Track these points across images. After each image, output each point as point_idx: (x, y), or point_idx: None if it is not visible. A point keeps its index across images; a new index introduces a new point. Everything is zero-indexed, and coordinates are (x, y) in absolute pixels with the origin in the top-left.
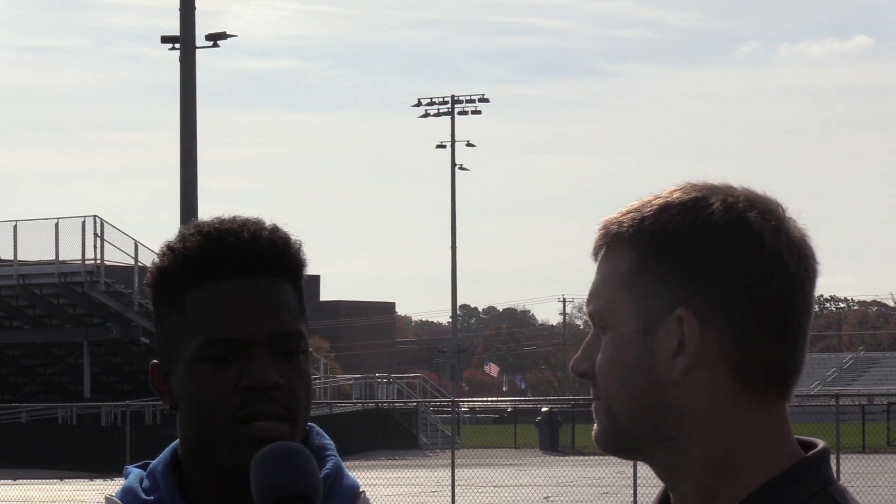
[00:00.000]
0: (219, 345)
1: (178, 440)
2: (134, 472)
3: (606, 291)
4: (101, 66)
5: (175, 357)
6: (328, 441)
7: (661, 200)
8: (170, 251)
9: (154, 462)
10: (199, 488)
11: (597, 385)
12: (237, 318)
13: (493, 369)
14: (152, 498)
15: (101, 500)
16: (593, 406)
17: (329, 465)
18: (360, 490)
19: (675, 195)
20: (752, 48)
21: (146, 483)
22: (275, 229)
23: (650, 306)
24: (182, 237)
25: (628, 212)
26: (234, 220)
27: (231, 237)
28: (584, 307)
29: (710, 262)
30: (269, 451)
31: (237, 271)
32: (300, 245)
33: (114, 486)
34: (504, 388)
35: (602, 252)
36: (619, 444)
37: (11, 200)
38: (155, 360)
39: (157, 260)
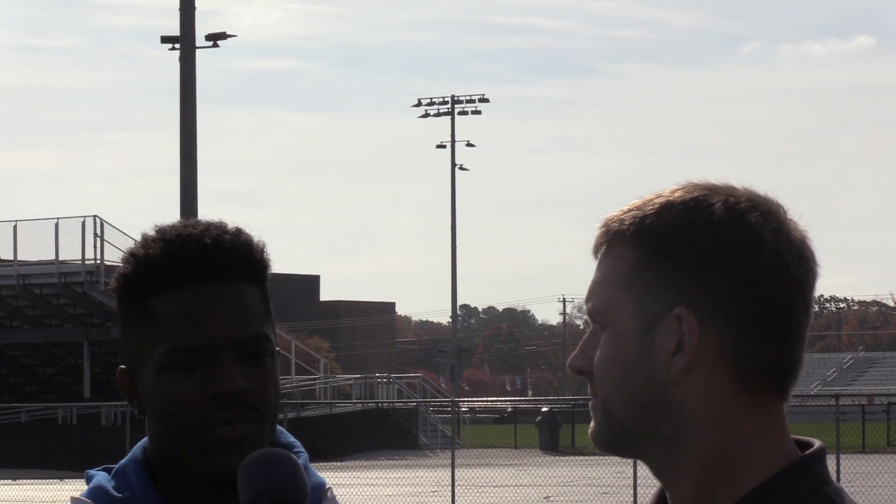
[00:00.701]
0: (184, 353)
1: (144, 441)
2: (100, 474)
3: (606, 289)
4: (101, 66)
5: (141, 364)
6: (294, 439)
7: (662, 199)
8: (132, 258)
9: (120, 464)
10: (175, 490)
11: (594, 383)
12: (201, 325)
13: (485, 369)
14: (125, 496)
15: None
16: (591, 404)
17: (300, 462)
18: (327, 487)
19: (677, 194)
20: (754, 48)
21: (114, 483)
22: (237, 232)
23: (650, 305)
24: (145, 243)
25: (629, 210)
26: (196, 224)
27: (193, 243)
28: (584, 304)
29: (711, 262)
30: (258, 457)
31: (200, 277)
32: (264, 246)
33: None
34: (508, 388)
35: (602, 250)
36: (615, 442)
37: (11, 200)
38: (122, 366)
39: (121, 266)
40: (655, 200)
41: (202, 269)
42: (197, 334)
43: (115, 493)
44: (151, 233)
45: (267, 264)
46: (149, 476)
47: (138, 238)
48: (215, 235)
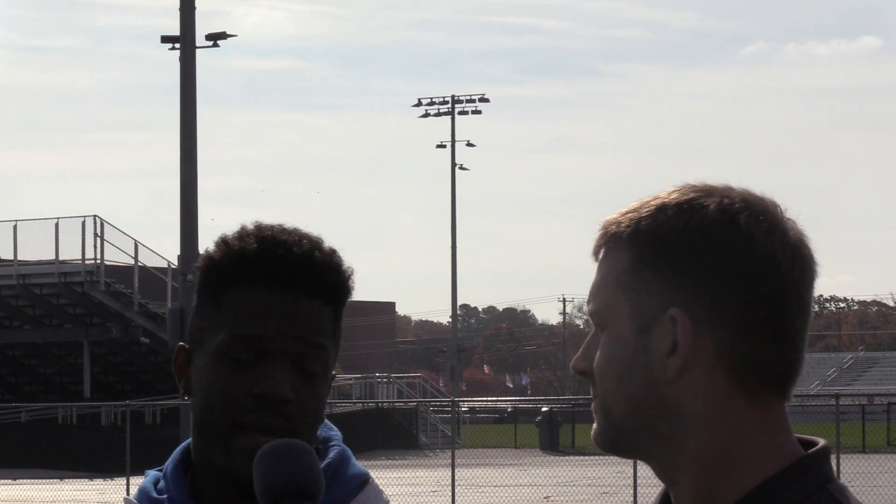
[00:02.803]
0: (241, 342)
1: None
2: (150, 474)
3: (604, 291)
4: (101, 66)
5: (201, 346)
6: (335, 432)
7: (658, 201)
8: (224, 244)
9: (167, 462)
10: (207, 487)
11: (595, 384)
12: (263, 322)
13: (486, 369)
14: (164, 497)
15: (101, 499)
16: (593, 405)
17: (332, 454)
18: (368, 478)
19: (673, 196)
20: (758, 48)
21: (161, 484)
22: (331, 253)
23: (645, 306)
24: (241, 235)
25: (627, 212)
26: (294, 232)
27: (281, 248)
28: (585, 306)
29: (703, 263)
30: (270, 448)
31: (281, 283)
32: (351, 273)
33: (113, 486)
34: (510, 385)
35: (601, 252)
36: (616, 442)
37: (11, 200)
38: (182, 343)
39: (210, 249)
40: (651, 202)
41: (285, 276)
42: (257, 328)
43: (155, 494)
44: (251, 227)
45: (349, 292)
46: (184, 476)
47: (138, 238)
48: (307, 249)
